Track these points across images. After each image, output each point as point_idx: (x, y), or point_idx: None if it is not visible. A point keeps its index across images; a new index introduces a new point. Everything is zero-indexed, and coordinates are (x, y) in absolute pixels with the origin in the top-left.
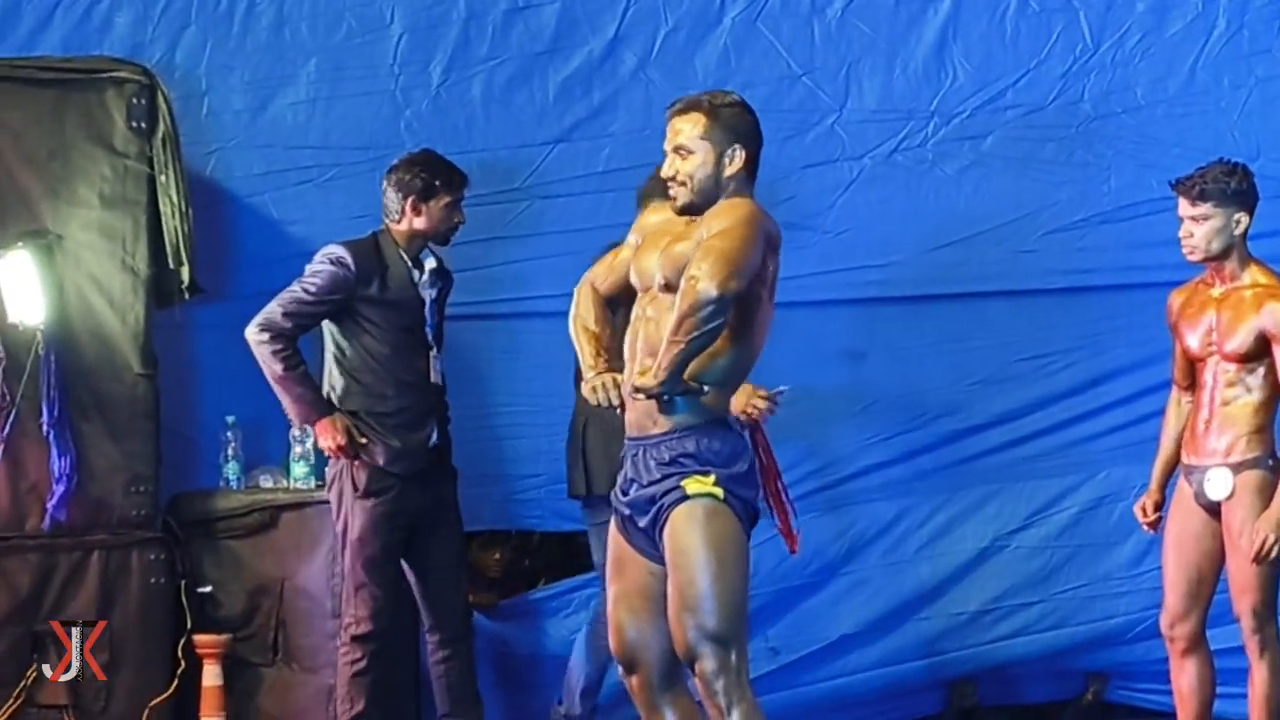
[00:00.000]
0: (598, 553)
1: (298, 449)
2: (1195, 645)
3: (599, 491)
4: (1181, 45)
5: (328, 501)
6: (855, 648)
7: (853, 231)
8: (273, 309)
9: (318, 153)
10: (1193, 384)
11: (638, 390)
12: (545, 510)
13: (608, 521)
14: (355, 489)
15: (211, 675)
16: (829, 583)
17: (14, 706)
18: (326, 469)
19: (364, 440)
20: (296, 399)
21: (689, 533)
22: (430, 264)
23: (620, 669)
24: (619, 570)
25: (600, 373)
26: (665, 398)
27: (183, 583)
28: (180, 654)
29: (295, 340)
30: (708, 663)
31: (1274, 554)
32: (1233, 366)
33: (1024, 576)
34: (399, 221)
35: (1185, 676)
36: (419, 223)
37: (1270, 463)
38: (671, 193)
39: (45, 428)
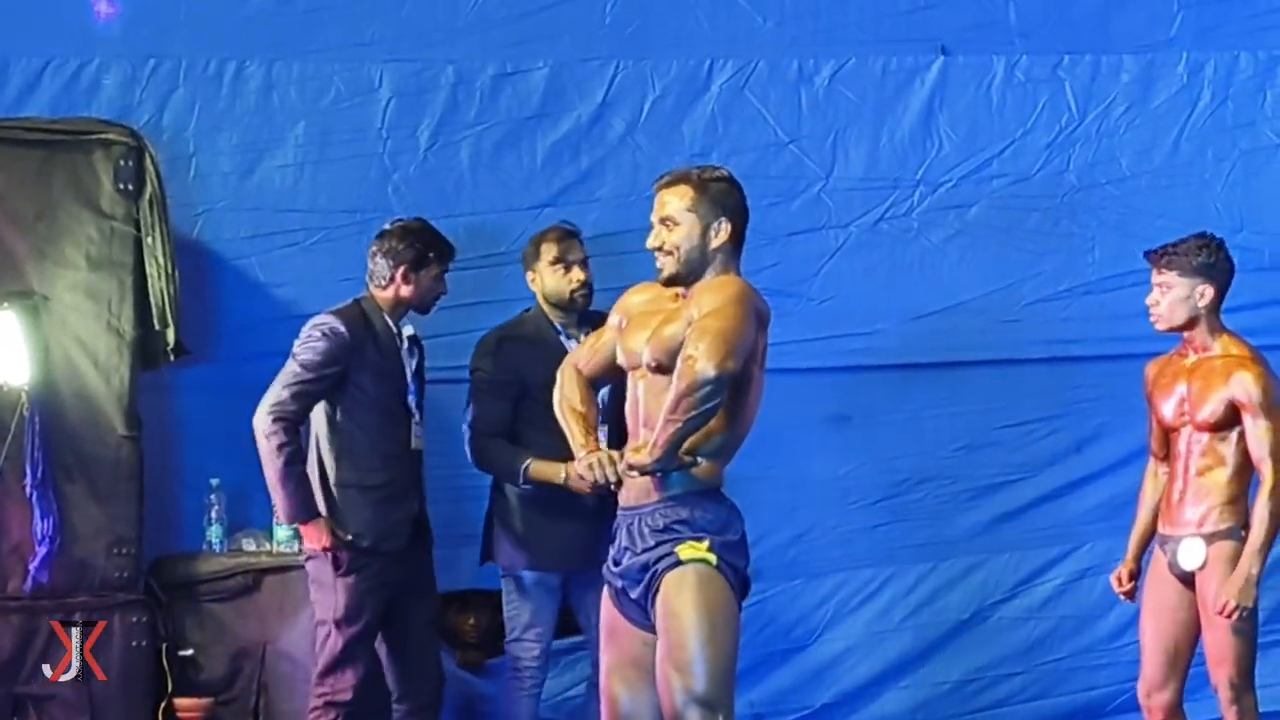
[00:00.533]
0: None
1: None
2: (1172, 715)
3: (495, 561)
4: (1166, 117)
5: None
6: (838, 716)
7: (837, 299)
8: (279, 394)
9: (305, 216)
10: (1169, 454)
11: (632, 468)
12: None
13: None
14: (337, 567)
15: None
16: (813, 649)
17: None
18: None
19: (349, 537)
20: (290, 496)
21: (681, 596)
22: (408, 331)
23: None
24: (611, 641)
25: (592, 450)
26: (659, 474)
27: (164, 645)
28: (161, 718)
29: (299, 428)
30: None
31: (1235, 617)
32: (1205, 436)
33: (1007, 647)
34: (385, 288)
35: None
36: (406, 291)
37: (1242, 533)
38: (658, 263)
39: (28, 489)
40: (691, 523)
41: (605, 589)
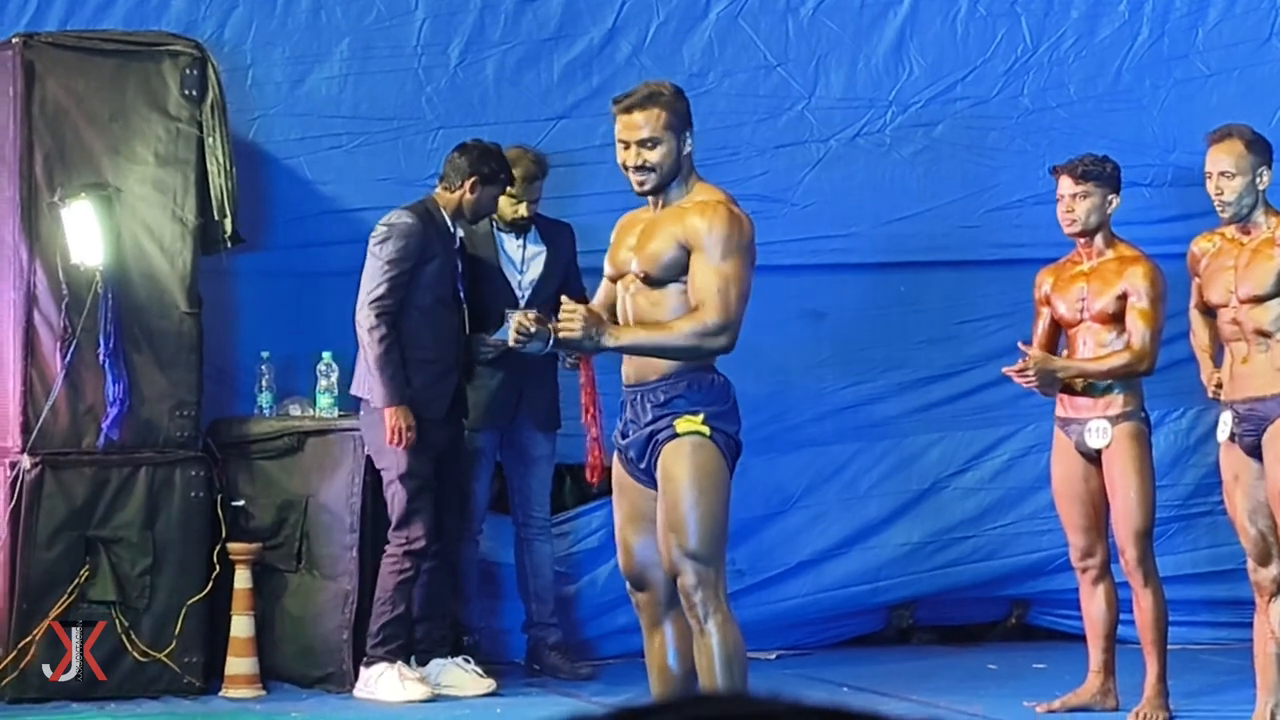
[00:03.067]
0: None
1: (323, 382)
2: (1103, 575)
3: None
4: (1110, 49)
5: (349, 429)
6: (811, 572)
7: (818, 205)
8: (375, 290)
9: (348, 122)
10: (1054, 350)
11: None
12: None
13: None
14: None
15: (242, 579)
16: (790, 514)
17: (68, 602)
18: (361, 411)
19: (411, 431)
20: (387, 382)
21: (676, 463)
22: (460, 234)
23: (628, 585)
24: (622, 496)
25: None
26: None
27: (219, 497)
28: (215, 560)
29: (395, 317)
30: (688, 578)
31: (1018, 375)
32: (1101, 330)
33: (960, 514)
34: (452, 192)
35: (1094, 604)
36: (468, 199)
37: (1142, 415)
38: (637, 179)
39: (101, 357)
40: (688, 397)
41: (615, 454)
